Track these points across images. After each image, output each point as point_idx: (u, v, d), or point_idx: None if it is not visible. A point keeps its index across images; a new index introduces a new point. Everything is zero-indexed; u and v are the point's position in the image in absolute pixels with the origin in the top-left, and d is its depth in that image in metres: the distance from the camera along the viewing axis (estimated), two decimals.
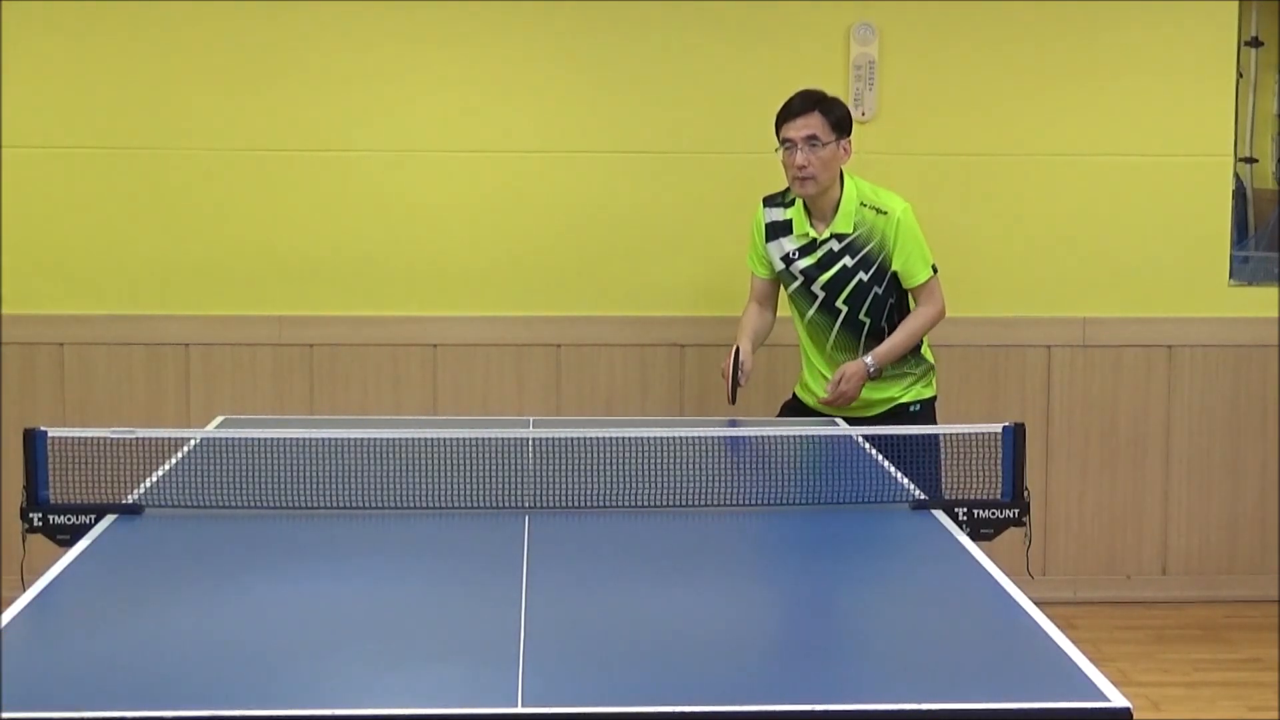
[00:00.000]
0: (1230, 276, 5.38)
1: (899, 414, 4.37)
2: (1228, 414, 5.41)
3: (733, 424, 4.25)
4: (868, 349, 4.34)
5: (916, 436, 3.65)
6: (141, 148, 5.15)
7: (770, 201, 4.46)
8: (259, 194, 5.18)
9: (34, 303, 5.17)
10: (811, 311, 4.40)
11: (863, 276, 4.31)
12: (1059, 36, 5.25)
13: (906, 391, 4.40)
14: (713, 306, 5.19)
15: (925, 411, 4.43)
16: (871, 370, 4.30)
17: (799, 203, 4.37)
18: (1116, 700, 2.13)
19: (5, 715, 2.04)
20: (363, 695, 2.17)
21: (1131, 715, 2.10)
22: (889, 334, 4.36)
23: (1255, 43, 5.37)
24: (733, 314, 4.87)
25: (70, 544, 3.00)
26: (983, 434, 3.42)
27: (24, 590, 2.64)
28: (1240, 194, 5.41)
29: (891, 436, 3.67)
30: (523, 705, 2.11)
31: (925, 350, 4.46)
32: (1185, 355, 5.38)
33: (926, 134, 5.26)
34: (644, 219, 5.26)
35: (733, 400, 4.32)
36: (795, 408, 4.54)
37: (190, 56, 5.13)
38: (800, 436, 3.95)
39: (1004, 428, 3.34)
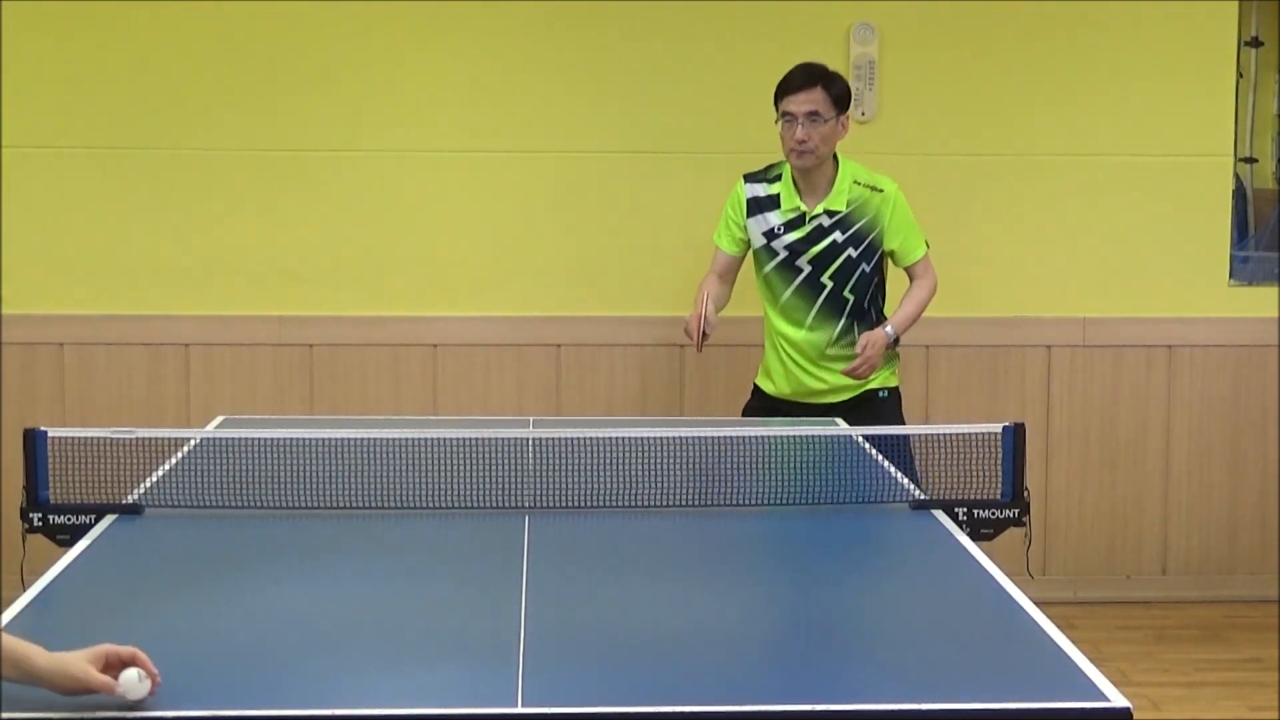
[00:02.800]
0: (1230, 276, 5.38)
1: (869, 400, 4.41)
2: (1228, 414, 5.41)
3: (732, 424, 4.25)
4: (848, 327, 4.38)
5: (892, 436, 3.68)
6: (141, 148, 5.15)
7: (752, 178, 4.46)
8: (259, 194, 5.18)
9: (34, 303, 5.17)
10: (790, 291, 4.39)
11: (851, 253, 4.33)
12: (1059, 36, 5.25)
13: (876, 376, 4.43)
14: None
15: (892, 399, 4.47)
16: (891, 338, 4.35)
17: (786, 177, 4.37)
18: (1116, 700, 2.13)
19: (5, 715, 2.04)
20: (363, 695, 2.17)
21: (1131, 715, 2.10)
22: (869, 312, 4.41)
23: (1255, 43, 5.37)
24: (733, 314, 4.87)
25: (70, 544, 3.00)
26: (983, 434, 3.42)
27: (24, 590, 2.64)
28: (1240, 194, 5.41)
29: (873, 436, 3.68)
30: (523, 705, 2.12)
31: None
32: (1185, 355, 5.38)
33: (926, 134, 5.26)
34: (644, 219, 5.26)
35: (700, 349, 4.35)
36: (759, 402, 4.53)
37: (190, 56, 5.13)
38: (800, 436, 3.95)
39: (1004, 428, 3.34)
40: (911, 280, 4.46)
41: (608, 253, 5.26)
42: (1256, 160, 5.45)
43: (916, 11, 5.21)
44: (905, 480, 3.48)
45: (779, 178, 4.39)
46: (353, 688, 2.20)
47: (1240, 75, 5.33)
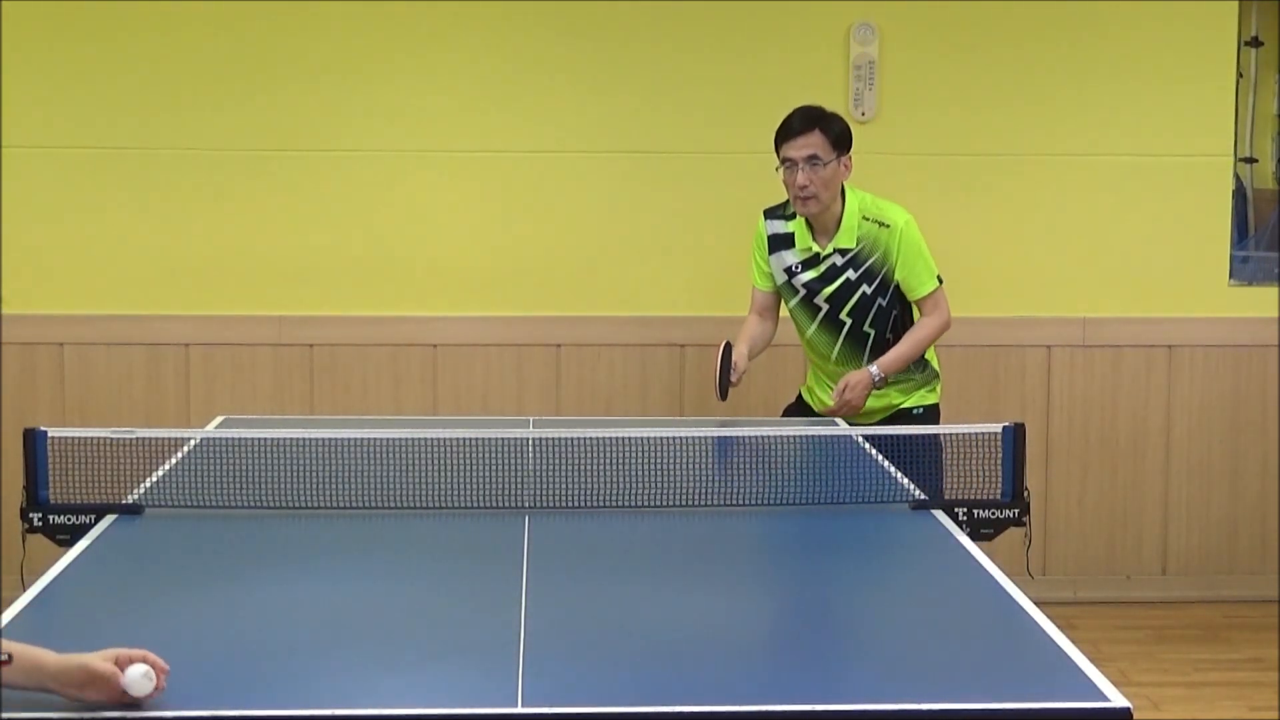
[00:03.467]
0: (1230, 276, 5.37)
1: (900, 418, 4.37)
2: (1228, 414, 5.40)
3: (732, 424, 4.25)
4: (872, 360, 4.34)
5: (917, 439, 3.65)
6: (141, 148, 5.15)
7: (771, 214, 4.44)
8: (259, 194, 5.18)
9: (34, 303, 5.17)
10: (814, 326, 4.39)
11: (866, 289, 4.30)
12: (1059, 36, 5.25)
13: (909, 397, 4.40)
14: (713, 306, 5.19)
15: (928, 416, 4.42)
16: (877, 380, 4.30)
17: (800, 215, 4.36)
18: (1116, 700, 2.13)
19: (5, 715, 2.04)
20: (363, 695, 2.17)
21: (1131, 715, 2.10)
22: (891, 344, 4.36)
23: (1255, 43, 5.37)
24: (732, 314, 4.88)
25: (70, 544, 3.00)
26: (983, 434, 3.42)
27: (24, 590, 2.64)
28: (1240, 194, 5.41)
29: (892, 438, 3.66)
30: (523, 705, 2.12)
31: (931, 356, 4.45)
32: (1185, 355, 5.38)
33: (926, 134, 5.26)
34: (644, 219, 5.26)
35: (723, 396, 4.29)
36: (799, 410, 4.54)
37: (190, 56, 5.13)
38: (800, 436, 3.95)
39: (1004, 428, 3.34)
40: (920, 315, 4.38)
41: (608, 253, 5.26)
42: (1256, 160, 5.45)
43: (916, 11, 5.21)
44: (905, 480, 3.47)
45: (794, 215, 4.36)
46: (353, 688, 2.20)
47: (1240, 75, 5.33)
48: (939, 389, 4.49)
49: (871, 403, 4.36)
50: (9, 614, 2.49)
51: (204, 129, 5.15)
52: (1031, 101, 5.27)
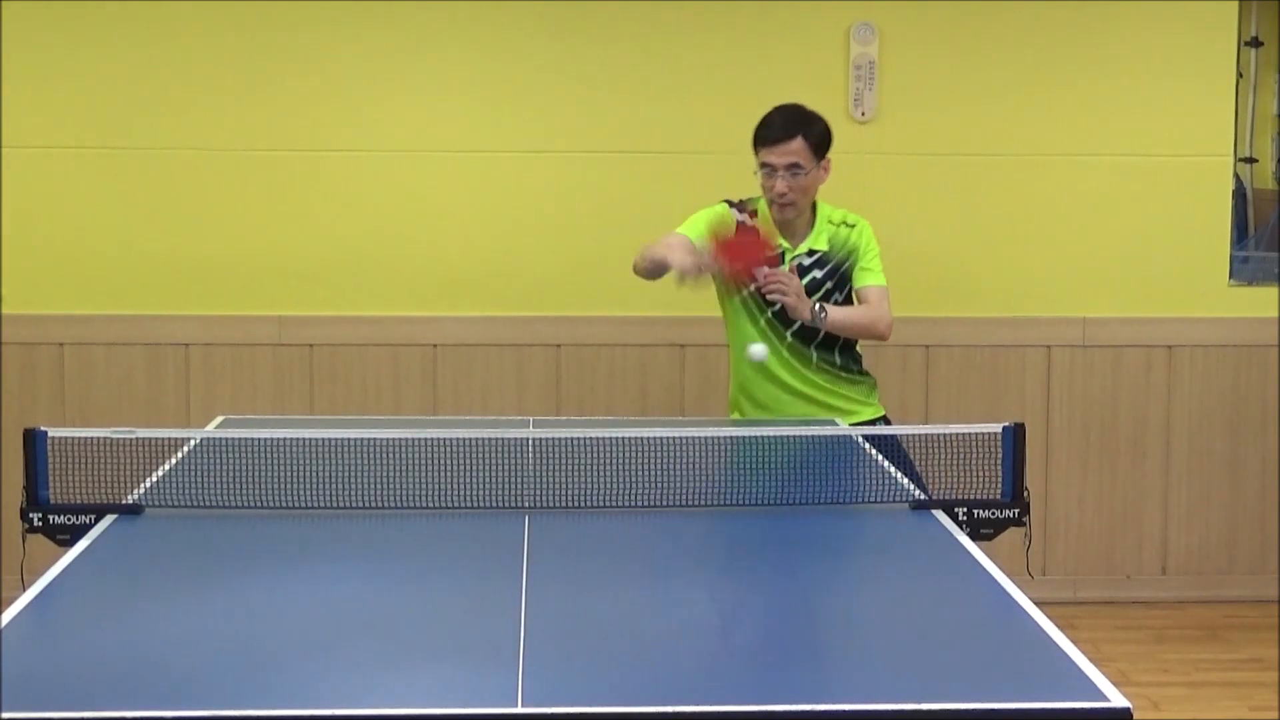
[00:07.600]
0: (1230, 276, 5.38)
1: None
2: (1228, 414, 5.41)
3: (733, 424, 4.25)
4: (847, 367, 4.25)
5: (889, 441, 3.63)
6: (141, 148, 5.15)
7: (734, 206, 4.30)
8: (259, 194, 5.19)
9: (34, 303, 5.17)
10: (765, 316, 4.23)
11: (829, 285, 4.21)
12: (1059, 36, 5.25)
13: (863, 407, 4.29)
14: (713, 306, 5.18)
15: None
16: (817, 312, 4.09)
17: (763, 214, 4.25)
18: (1116, 700, 2.13)
19: (5, 715, 2.04)
20: (363, 695, 2.17)
21: (1131, 715, 2.10)
22: (853, 351, 4.27)
23: (1255, 43, 5.37)
24: None
25: (70, 544, 2.99)
26: (983, 434, 3.42)
27: (24, 590, 2.64)
28: (1240, 194, 5.41)
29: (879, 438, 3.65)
30: (523, 705, 2.11)
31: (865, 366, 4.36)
32: (1185, 355, 5.38)
33: (926, 134, 5.26)
34: (644, 219, 5.25)
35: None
36: None
37: (190, 56, 5.13)
38: (800, 437, 3.95)
39: (1004, 428, 3.34)
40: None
41: (608, 253, 5.25)
42: (1256, 160, 5.45)
43: (916, 11, 5.21)
44: (905, 480, 3.48)
45: (756, 213, 4.27)
46: (352, 688, 2.20)
47: (1240, 75, 5.33)
48: (877, 397, 4.37)
49: (816, 412, 4.26)
50: (9, 614, 2.49)
51: (204, 129, 5.15)
52: (1031, 101, 5.28)
